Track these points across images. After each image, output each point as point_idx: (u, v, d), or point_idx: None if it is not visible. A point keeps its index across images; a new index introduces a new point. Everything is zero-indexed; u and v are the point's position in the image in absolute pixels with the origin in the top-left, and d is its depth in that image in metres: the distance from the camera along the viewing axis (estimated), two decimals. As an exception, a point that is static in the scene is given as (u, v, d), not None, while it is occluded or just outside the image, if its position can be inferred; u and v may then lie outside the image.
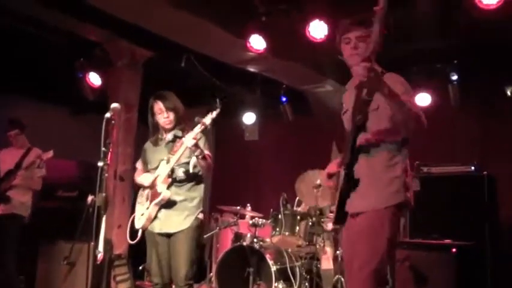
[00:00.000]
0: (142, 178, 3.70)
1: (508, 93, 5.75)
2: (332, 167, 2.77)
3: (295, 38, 4.94)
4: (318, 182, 5.02)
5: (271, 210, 5.56)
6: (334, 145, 7.12)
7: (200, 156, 3.44)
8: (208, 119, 3.38)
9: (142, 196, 3.66)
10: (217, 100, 6.62)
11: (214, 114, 3.39)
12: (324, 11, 4.70)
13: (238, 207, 5.69)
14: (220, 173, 7.16)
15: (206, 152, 3.52)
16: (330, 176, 2.74)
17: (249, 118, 7.63)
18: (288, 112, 7.14)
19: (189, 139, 3.36)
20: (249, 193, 7.41)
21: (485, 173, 5.01)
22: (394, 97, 2.39)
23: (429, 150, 5.39)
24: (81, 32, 5.50)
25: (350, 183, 2.49)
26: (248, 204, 5.86)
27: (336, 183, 2.73)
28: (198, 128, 3.39)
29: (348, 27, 2.66)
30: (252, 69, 6.21)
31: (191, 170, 3.58)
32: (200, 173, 3.63)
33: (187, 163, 3.57)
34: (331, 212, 3.01)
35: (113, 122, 3.14)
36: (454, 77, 5.91)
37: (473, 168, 5.12)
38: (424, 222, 4.87)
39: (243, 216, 5.89)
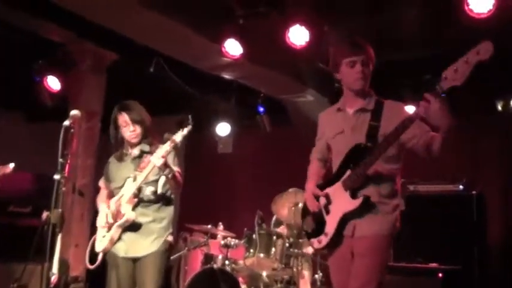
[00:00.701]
0: (101, 208, 3.61)
1: (499, 107, 5.86)
2: (314, 188, 2.95)
3: (274, 43, 4.96)
4: (297, 201, 5.03)
5: (245, 229, 5.54)
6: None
7: (170, 176, 3.40)
8: (178, 136, 3.34)
9: (104, 216, 3.60)
10: (189, 116, 6.57)
11: (185, 131, 3.35)
12: (305, 15, 4.74)
13: (209, 226, 5.65)
14: (190, 188, 7.06)
15: (176, 168, 3.47)
16: (317, 197, 2.93)
17: (223, 129, 7.62)
18: (265, 123, 7.16)
19: (157, 158, 3.32)
20: (221, 211, 7.36)
21: (474, 192, 5.11)
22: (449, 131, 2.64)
23: (416, 167, 5.44)
24: (43, 31, 5.43)
25: (364, 207, 2.73)
26: (220, 223, 5.83)
27: (320, 206, 2.92)
28: (167, 146, 3.34)
29: (352, 49, 2.81)
30: (227, 76, 6.22)
31: (160, 191, 3.54)
32: (169, 193, 3.59)
33: (156, 181, 3.52)
34: (306, 232, 3.07)
35: (72, 130, 3.08)
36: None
37: (461, 187, 5.21)
38: (409, 244, 4.92)
39: (214, 236, 5.85)
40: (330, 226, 2.84)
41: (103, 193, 3.75)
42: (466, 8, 4.19)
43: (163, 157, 3.32)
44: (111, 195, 3.67)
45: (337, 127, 2.93)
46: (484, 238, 5.16)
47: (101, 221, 3.59)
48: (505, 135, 6.05)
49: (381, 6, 4.66)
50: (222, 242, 5.41)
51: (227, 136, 7.79)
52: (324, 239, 2.86)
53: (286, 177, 6.90)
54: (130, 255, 3.50)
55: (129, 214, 3.46)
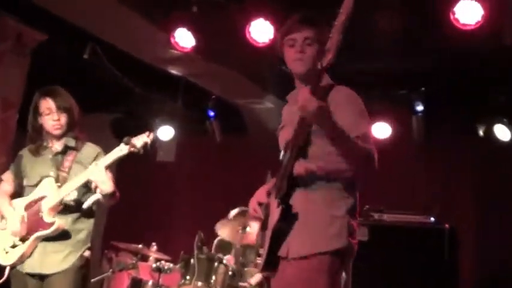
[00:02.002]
0: (5, 208, 3.47)
1: (481, 133, 6.04)
2: (262, 195, 2.80)
3: (232, 38, 4.99)
4: (245, 223, 5.03)
5: (182, 252, 5.48)
6: (269, 175, 7.21)
7: (108, 195, 3.37)
8: (140, 141, 3.30)
9: (18, 221, 3.42)
10: (156, 120, 6.58)
11: (151, 136, 3.33)
12: (270, 8, 4.78)
13: (140, 246, 5.57)
14: (121, 200, 6.99)
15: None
16: (260, 205, 2.78)
17: (164, 133, 7.51)
18: (215, 130, 7.15)
19: (99, 169, 3.27)
20: (155, 229, 7.28)
21: (446, 225, 5.23)
22: (340, 137, 2.44)
23: (382, 192, 5.57)
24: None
25: (288, 220, 2.52)
26: (153, 243, 5.76)
27: (263, 218, 2.77)
28: (119, 151, 3.30)
29: (293, 26, 2.68)
30: (175, 72, 6.20)
31: (86, 206, 3.47)
32: (94, 207, 3.55)
33: (82, 186, 3.44)
34: (258, 255, 3.01)
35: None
36: (419, 107, 6.18)
37: (432, 218, 5.33)
38: (371, 280, 4.98)
39: (145, 258, 5.77)
40: (266, 244, 2.63)
41: (2, 187, 3.62)
42: (451, 17, 4.33)
43: (107, 168, 3.29)
44: (14, 193, 3.57)
45: (283, 121, 2.82)
46: (456, 277, 5.29)
47: (13, 225, 3.41)
48: (484, 163, 6.24)
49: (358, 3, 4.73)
50: (154, 266, 5.33)
51: (169, 142, 7.69)
52: (260, 262, 2.74)
53: (237, 193, 6.94)
54: (37, 271, 3.38)
55: (59, 223, 3.36)
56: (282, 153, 2.68)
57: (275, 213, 2.58)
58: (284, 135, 2.73)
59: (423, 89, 6.14)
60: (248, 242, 5.17)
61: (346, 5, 2.36)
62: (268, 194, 2.78)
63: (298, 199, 2.55)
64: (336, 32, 2.35)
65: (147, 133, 3.35)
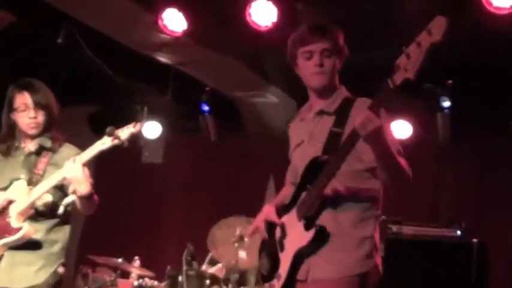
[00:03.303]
0: None
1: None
2: (270, 213, 2.97)
3: (230, 20, 4.98)
4: (242, 234, 5.04)
5: (169, 268, 5.50)
6: (272, 180, 7.23)
7: (85, 198, 3.37)
8: (125, 133, 3.30)
9: None
10: (145, 108, 6.60)
11: (137, 127, 3.33)
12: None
13: (120, 260, 5.58)
14: (99, 208, 7.01)
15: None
16: (269, 225, 2.97)
17: (151, 130, 7.54)
18: (210, 127, 7.15)
19: (75, 166, 3.28)
20: (139, 241, 7.31)
21: (475, 240, 5.23)
22: (388, 155, 2.61)
23: (401, 202, 5.56)
24: None
25: (319, 242, 2.72)
26: (136, 257, 5.79)
27: (268, 238, 2.98)
28: (100, 145, 3.30)
29: (308, 36, 2.85)
30: (163, 60, 6.18)
31: (61, 211, 3.48)
32: (69, 208, 3.53)
33: (57, 188, 3.44)
34: (262, 275, 3.11)
35: None
36: (446, 103, 6.17)
37: (459, 232, 5.33)
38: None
39: (125, 274, 5.77)
40: (283, 267, 2.86)
41: None
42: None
43: (84, 165, 3.29)
44: None
45: (297, 137, 2.99)
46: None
47: None
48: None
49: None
50: (136, 283, 5.34)
51: (156, 140, 7.70)
52: (277, 284, 2.88)
53: (233, 201, 6.95)
54: (4, 285, 3.37)
55: (26, 229, 3.35)
56: (302, 171, 2.85)
57: (297, 235, 2.78)
58: (304, 153, 2.90)
59: (450, 82, 6.13)
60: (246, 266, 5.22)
61: (439, 25, 2.40)
62: (278, 211, 2.97)
63: (326, 220, 2.74)
64: (421, 52, 2.40)
65: (133, 123, 3.36)
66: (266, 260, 3.02)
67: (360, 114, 2.50)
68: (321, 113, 2.90)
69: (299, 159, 2.93)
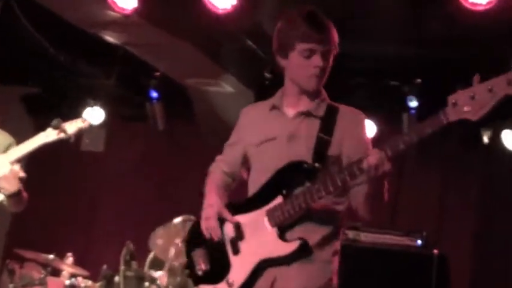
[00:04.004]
0: None
1: (485, 139, 6.11)
2: (222, 209, 2.91)
3: (185, 1, 4.95)
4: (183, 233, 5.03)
5: (104, 266, 5.46)
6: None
7: (13, 196, 3.34)
8: (73, 127, 3.34)
9: None
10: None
11: (87, 123, 3.37)
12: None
13: (51, 256, 5.52)
14: (32, 198, 6.90)
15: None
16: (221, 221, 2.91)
17: (93, 115, 7.39)
18: (157, 116, 7.12)
19: (3, 164, 3.25)
20: (73, 235, 7.23)
21: (435, 251, 5.30)
22: (380, 199, 2.76)
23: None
24: None
25: (300, 255, 2.73)
26: (69, 254, 5.72)
27: (220, 237, 2.90)
28: (43, 138, 3.31)
29: (310, 33, 2.79)
30: (110, 39, 6.08)
31: None
32: None
33: None
34: (192, 274, 3.05)
35: None
36: (413, 103, 6.24)
37: (419, 241, 5.39)
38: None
39: (56, 272, 5.71)
40: (238, 273, 2.83)
41: None
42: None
43: (14, 162, 3.24)
44: None
45: (267, 131, 2.92)
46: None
47: None
48: (488, 177, 6.35)
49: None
50: (68, 282, 5.30)
51: (98, 127, 7.50)
52: None
53: (179, 196, 6.90)
54: None
55: None
56: (276, 172, 2.82)
57: (265, 242, 2.78)
58: (280, 151, 2.86)
59: (419, 80, 6.19)
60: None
61: None
62: (232, 207, 2.92)
63: (308, 233, 2.77)
64: (492, 99, 2.39)
65: (82, 118, 3.36)
66: (204, 259, 2.97)
67: (373, 154, 2.55)
68: (305, 114, 2.88)
69: (270, 157, 2.87)
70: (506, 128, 6.06)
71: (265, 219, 2.79)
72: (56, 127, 3.29)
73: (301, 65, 2.82)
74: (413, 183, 6.62)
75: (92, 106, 7.28)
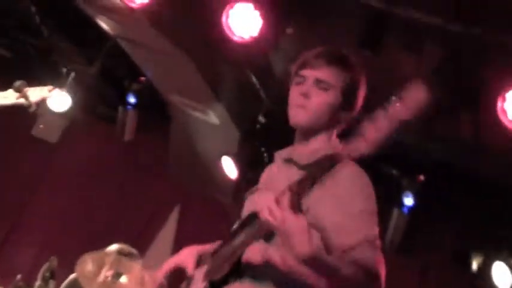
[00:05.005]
0: None
1: (474, 266, 6.11)
2: (188, 258, 2.81)
3: (200, 15, 4.96)
4: (120, 270, 4.93)
5: (19, 277, 5.41)
6: (176, 212, 7.16)
7: None
8: (36, 94, 3.36)
9: None
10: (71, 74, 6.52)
11: (53, 93, 3.42)
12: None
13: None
14: None
15: None
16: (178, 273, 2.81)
17: (57, 101, 7.29)
18: (128, 123, 7.10)
19: None
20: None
21: None
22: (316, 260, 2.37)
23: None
24: None
25: None
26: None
27: None
28: (1, 99, 3.31)
29: (311, 59, 2.69)
30: (104, 26, 6.07)
31: None
32: None
33: None
34: None
35: None
36: (408, 201, 6.25)
37: None
38: None
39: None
40: None
41: None
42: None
43: None
44: None
45: (258, 184, 2.87)
46: None
47: None
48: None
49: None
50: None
51: (58, 115, 7.52)
52: None
53: (123, 220, 6.85)
54: None
55: None
56: (237, 223, 2.70)
57: None
58: (252, 202, 2.75)
59: (422, 177, 6.23)
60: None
61: (416, 99, 2.26)
62: (199, 261, 2.79)
63: None
64: (386, 123, 2.26)
65: (49, 87, 3.31)
66: None
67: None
68: (289, 161, 2.71)
69: (246, 208, 2.77)
70: (498, 259, 6.01)
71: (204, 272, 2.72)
72: (17, 90, 3.25)
73: (291, 93, 2.72)
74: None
75: (61, 89, 7.19)
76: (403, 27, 4.70)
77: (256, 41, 4.75)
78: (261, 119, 6.24)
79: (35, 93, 3.32)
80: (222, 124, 6.63)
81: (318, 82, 2.64)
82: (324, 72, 2.65)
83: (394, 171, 6.31)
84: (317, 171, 2.46)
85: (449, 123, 5.18)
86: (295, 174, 2.53)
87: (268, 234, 2.50)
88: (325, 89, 2.63)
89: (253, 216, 2.53)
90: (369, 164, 6.50)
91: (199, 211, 7.21)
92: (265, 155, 6.40)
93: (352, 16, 4.84)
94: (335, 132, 2.69)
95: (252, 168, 6.28)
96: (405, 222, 6.30)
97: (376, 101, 2.53)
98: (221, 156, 6.52)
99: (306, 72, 2.67)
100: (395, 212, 6.30)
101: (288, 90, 2.76)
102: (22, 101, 3.28)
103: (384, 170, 6.29)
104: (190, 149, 7.03)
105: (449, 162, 5.82)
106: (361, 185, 2.58)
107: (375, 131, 2.27)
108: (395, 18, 4.57)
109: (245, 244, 2.54)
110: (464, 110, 4.96)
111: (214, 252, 2.74)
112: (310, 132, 2.68)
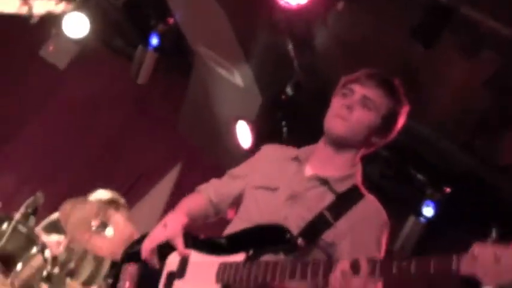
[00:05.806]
0: None
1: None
2: (178, 235, 2.92)
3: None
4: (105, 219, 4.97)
5: (-1, 204, 5.37)
6: (177, 170, 7.18)
7: None
8: (42, 7, 3.27)
9: None
10: None
11: (61, 6, 3.26)
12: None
13: None
14: None
15: None
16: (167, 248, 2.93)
17: (74, 25, 7.21)
18: (143, 65, 7.07)
19: None
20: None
21: None
22: None
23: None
24: None
25: None
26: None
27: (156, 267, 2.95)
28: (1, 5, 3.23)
29: (363, 77, 2.89)
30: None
31: None
32: None
33: None
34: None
35: None
36: (427, 211, 6.22)
37: None
38: None
39: None
40: None
41: None
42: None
43: None
44: None
45: (274, 179, 2.96)
46: None
47: None
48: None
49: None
50: None
51: (73, 41, 7.37)
52: None
53: (119, 165, 6.87)
54: None
55: None
56: (255, 227, 2.83)
57: (196, 286, 2.80)
58: (273, 205, 2.88)
59: (448, 190, 6.21)
60: (98, 252, 5.13)
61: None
62: (190, 238, 2.92)
63: None
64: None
65: (60, 4, 3.30)
66: (131, 279, 3.00)
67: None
68: (321, 180, 2.88)
69: (259, 207, 2.91)
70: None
71: (215, 271, 2.78)
72: None
73: (334, 103, 2.93)
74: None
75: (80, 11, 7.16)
76: (464, 26, 4.70)
77: (302, 10, 4.75)
78: (289, 90, 6.23)
79: (41, 4, 3.29)
80: (245, 87, 6.63)
81: (364, 99, 2.86)
82: (372, 92, 2.86)
83: (421, 177, 6.30)
84: (349, 199, 2.84)
85: (491, 140, 5.20)
86: (327, 197, 2.85)
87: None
88: (369, 109, 2.86)
89: (280, 233, 2.75)
90: (398, 163, 6.47)
91: (200, 176, 7.25)
92: (284, 129, 6.39)
93: (408, 4, 4.85)
94: (360, 153, 2.94)
95: (268, 140, 6.28)
96: (419, 231, 6.29)
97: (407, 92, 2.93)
98: (237, 120, 6.50)
99: (355, 87, 2.88)
100: (411, 219, 6.28)
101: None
102: (25, 10, 3.26)
103: (411, 172, 6.29)
104: (205, 106, 7.02)
105: (482, 180, 5.83)
106: (381, 226, 2.85)
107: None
108: (461, 18, 4.57)
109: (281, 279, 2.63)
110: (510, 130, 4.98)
111: (218, 244, 2.88)
112: (340, 145, 2.91)
